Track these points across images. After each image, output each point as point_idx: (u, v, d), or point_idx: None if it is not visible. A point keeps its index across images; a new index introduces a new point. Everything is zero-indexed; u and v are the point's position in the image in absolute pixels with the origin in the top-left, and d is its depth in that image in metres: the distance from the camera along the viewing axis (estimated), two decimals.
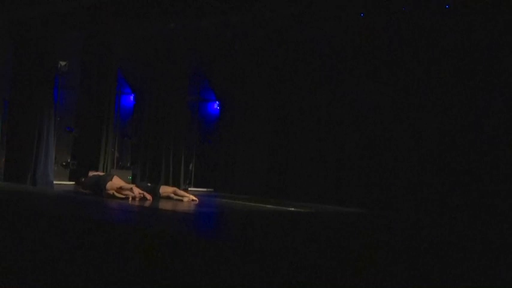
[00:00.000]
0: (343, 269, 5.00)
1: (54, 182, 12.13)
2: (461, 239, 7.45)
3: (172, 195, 10.05)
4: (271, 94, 12.34)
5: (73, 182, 12.41)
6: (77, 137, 13.17)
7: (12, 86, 12.47)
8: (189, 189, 13.19)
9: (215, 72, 13.77)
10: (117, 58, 13.24)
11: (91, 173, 10.47)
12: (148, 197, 9.58)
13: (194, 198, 10.00)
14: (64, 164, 13.29)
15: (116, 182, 9.58)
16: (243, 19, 12.04)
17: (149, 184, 10.52)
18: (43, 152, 12.40)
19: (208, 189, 13.11)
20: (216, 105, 14.23)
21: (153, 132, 13.27)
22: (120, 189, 9.47)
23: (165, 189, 10.23)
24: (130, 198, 9.34)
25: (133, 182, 13.18)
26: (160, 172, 13.05)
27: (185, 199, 9.93)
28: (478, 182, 9.46)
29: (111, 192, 9.37)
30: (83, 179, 10.22)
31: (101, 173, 10.75)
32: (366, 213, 9.85)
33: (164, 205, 9.26)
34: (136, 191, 9.47)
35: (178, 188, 11.58)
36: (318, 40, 11.71)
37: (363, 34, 11.04)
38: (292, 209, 10.02)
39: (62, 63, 13.01)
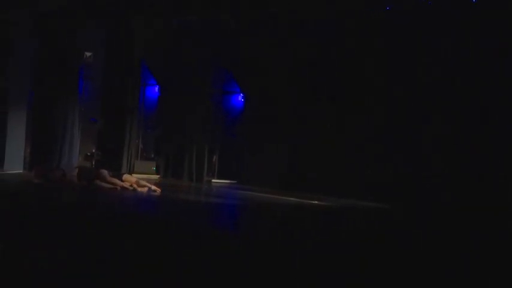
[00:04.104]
0: (365, 263, 4.90)
1: None
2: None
3: (134, 185, 10.09)
4: (295, 87, 12.20)
5: None
6: (101, 128, 13.21)
7: (38, 77, 12.55)
8: (213, 180, 13.17)
9: (239, 65, 13.66)
10: (141, 49, 13.23)
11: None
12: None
13: (156, 188, 10.09)
14: (88, 154, 13.34)
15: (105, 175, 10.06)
16: (267, 11, 11.92)
17: (110, 172, 10.62)
18: (68, 143, 12.51)
19: (232, 181, 13.05)
20: (240, 98, 14.14)
21: (177, 124, 13.25)
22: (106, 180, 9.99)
23: (128, 179, 10.29)
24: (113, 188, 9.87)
25: (157, 173, 13.27)
26: (184, 164, 13.04)
27: (145, 189, 10.06)
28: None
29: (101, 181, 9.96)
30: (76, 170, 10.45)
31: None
32: (387, 208, 9.71)
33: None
34: (119, 183, 9.94)
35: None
36: (341, 34, 11.53)
37: (386, 31, 10.85)
38: (316, 202, 9.92)
39: (88, 54, 13.06)
